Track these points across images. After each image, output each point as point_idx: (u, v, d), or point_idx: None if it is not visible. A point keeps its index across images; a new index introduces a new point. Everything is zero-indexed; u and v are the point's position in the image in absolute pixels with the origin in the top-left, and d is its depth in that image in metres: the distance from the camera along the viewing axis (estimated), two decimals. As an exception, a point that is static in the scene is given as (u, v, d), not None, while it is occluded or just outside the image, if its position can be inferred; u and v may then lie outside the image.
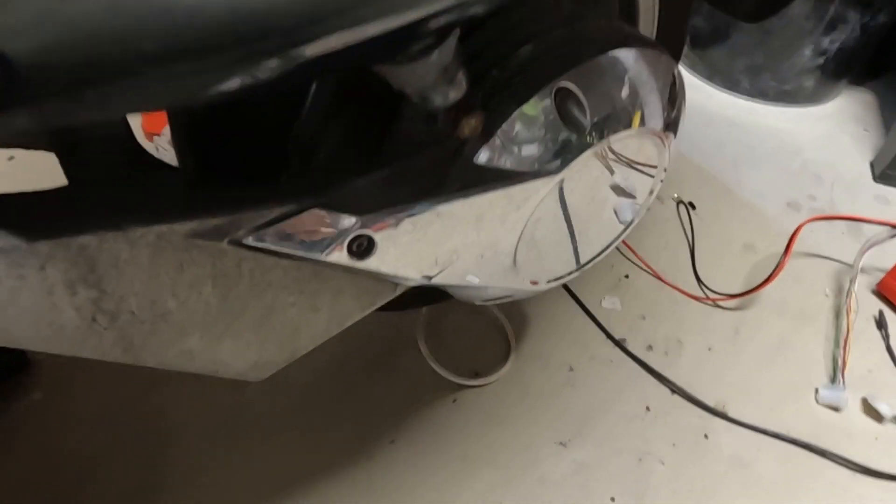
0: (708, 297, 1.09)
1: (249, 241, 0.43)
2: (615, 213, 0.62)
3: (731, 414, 0.93)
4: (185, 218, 0.41)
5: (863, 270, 1.13)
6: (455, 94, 0.44)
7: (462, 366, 0.95)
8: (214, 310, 0.46)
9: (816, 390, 0.97)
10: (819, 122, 1.55)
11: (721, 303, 1.09)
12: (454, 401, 0.92)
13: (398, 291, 0.53)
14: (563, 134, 0.50)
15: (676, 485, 0.85)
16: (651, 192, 0.64)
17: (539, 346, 1.00)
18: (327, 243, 0.45)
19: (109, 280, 0.42)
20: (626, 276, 1.12)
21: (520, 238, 0.55)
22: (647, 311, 1.07)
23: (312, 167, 0.45)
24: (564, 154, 0.51)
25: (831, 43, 1.44)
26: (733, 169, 1.37)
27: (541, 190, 0.52)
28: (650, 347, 1.02)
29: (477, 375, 0.94)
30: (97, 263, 0.41)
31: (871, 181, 1.39)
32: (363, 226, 0.46)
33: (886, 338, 1.05)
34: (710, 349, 1.02)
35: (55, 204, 0.40)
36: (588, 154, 0.52)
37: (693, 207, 1.25)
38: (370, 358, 0.95)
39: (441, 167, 0.48)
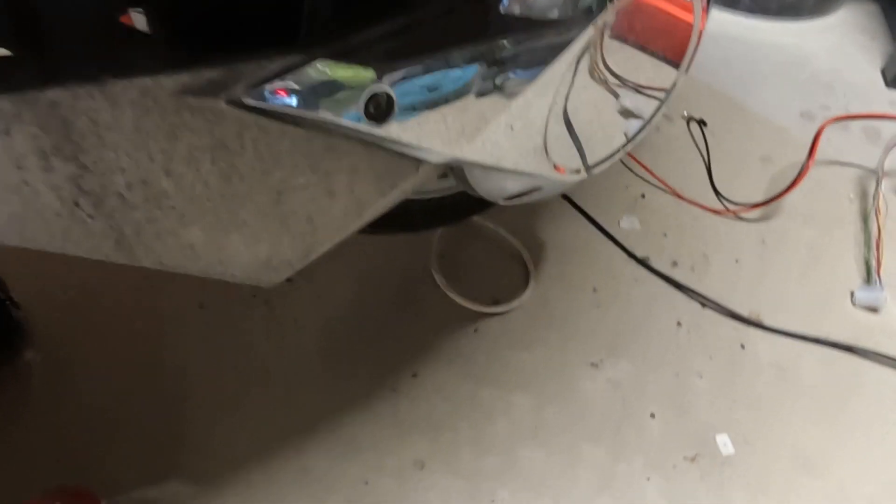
0: (729, 210, 1.04)
1: (250, 99, 0.37)
2: (650, 80, 0.56)
3: (767, 323, 0.89)
4: (174, 69, 0.35)
5: (885, 173, 1.08)
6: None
7: (481, 295, 0.89)
8: (217, 192, 0.40)
9: (852, 293, 0.93)
10: (824, 34, 1.49)
11: (744, 215, 1.04)
12: (475, 330, 0.86)
13: (421, 173, 0.47)
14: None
15: (717, 396, 0.81)
16: (689, 58, 0.58)
17: (559, 270, 0.94)
18: (341, 102, 0.39)
19: (89, 151, 0.35)
20: (643, 196, 1.07)
21: (550, 108, 0.49)
22: (668, 228, 1.02)
23: (319, 14, 0.38)
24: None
25: (834, -53, 1.37)
26: (742, 85, 1.32)
27: (573, 45, 0.46)
28: (675, 264, 0.97)
29: (497, 303, 0.89)
30: (73, 128, 0.34)
31: (884, 88, 1.33)
32: (380, 81, 0.40)
33: (918, 237, 1.01)
34: (737, 261, 0.98)
35: (18, 58, 0.34)
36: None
37: (705, 124, 1.20)
38: (384, 294, 0.90)
39: (463, 13, 0.42)
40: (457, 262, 0.93)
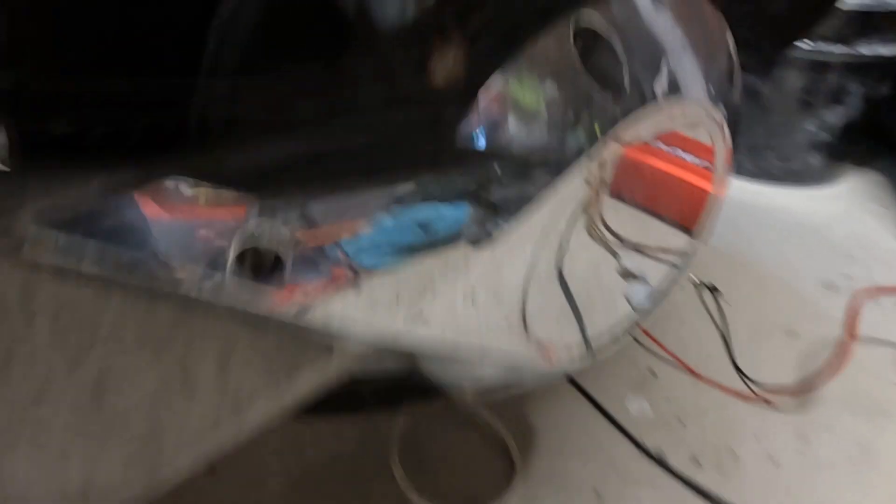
0: (757, 395, 0.87)
1: (39, 251, 0.23)
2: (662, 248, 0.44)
3: (823, 549, 0.69)
4: None
5: (935, 354, 0.94)
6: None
7: (453, 495, 0.71)
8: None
9: (925, 509, 0.73)
10: (833, 201, 1.42)
11: (775, 400, 0.87)
12: (444, 548, 0.66)
13: (338, 360, 0.32)
14: (593, 93, 0.32)
15: None
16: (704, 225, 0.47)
17: (553, 465, 0.76)
18: (198, 250, 0.25)
19: None
20: (653, 373, 0.91)
21: (531, 270, 0.36)
22: (685, 414, 0.85)
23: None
24: (597, 123, 0.33)
25: (833, 116, 1.35)
26: (752, 250, 1.21)
27: (561, 187, 0.34)
28: (697, 462, 0.78)
29: (473, 510, 0.70)
30: None
31: (909, 258, 1.23)
32: (266, 222, 0.26)
33: None
34: (773, 461, 0.79)
35: None
36: (627, 124, 0.34)
37: (717, 291, 1.07)
38: (329, 497, 0.71)
39: (408, 138, 0.30)
40: (424, 453, 0.75)
